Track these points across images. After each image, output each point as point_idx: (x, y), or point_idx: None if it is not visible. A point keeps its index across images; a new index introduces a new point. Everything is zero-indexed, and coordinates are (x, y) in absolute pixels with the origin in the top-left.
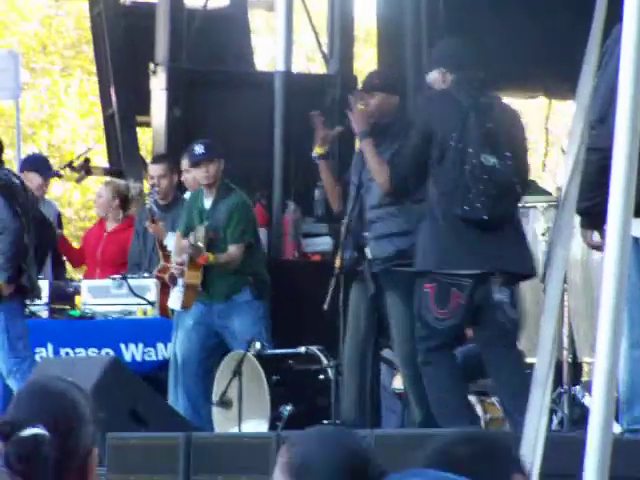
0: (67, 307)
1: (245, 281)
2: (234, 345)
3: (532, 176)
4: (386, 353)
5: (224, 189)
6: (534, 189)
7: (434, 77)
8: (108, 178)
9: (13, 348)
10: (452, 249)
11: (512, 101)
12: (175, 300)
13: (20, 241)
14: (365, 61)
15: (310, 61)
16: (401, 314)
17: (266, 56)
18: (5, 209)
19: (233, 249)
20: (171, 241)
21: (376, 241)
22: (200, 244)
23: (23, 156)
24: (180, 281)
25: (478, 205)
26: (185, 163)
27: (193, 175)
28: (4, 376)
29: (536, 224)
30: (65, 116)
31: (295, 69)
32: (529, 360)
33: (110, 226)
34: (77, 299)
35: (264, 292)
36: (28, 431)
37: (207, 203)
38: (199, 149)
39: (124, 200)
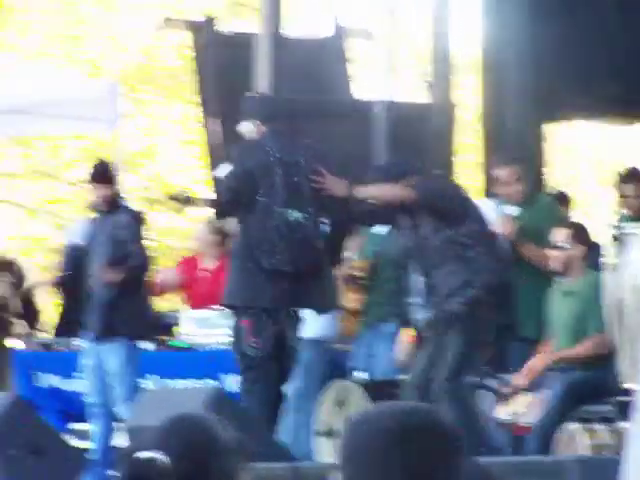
0: (166, 338)
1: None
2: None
3: None
4: (489, 382)
5: None
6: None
7: (247, 127)
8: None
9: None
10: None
11: (613, 127)
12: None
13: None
14: (466, 89)
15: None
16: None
17: (365, 85)
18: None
19: None
20: None
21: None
22: None
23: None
24: None
25: (281, 259)
26: None
27: None
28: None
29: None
30: (166, 146)
31: (396, 98)
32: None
33: (208, 263)
34: (174, 329)
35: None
36: (145, 454)
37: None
38: None
39: (223, 236)
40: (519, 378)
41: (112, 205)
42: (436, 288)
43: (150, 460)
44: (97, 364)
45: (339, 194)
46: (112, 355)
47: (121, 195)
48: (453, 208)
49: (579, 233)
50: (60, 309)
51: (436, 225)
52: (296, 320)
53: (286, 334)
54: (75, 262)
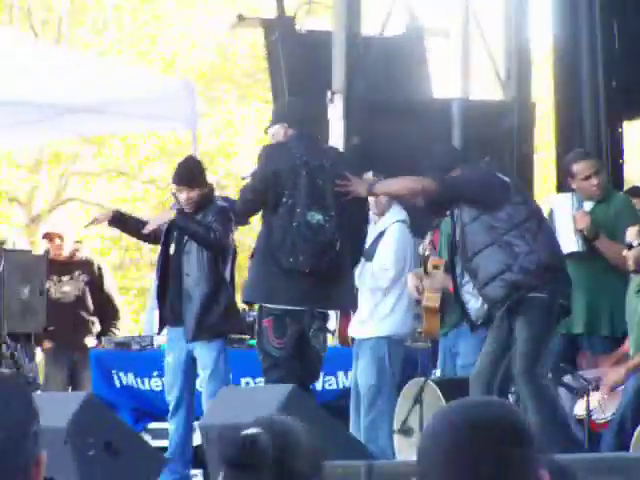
0: (246, 337)
1: None
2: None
3: None
4: (567, 379)
5: None
6: None
7: (276, 130)
8: None
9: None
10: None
11: None
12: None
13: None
14: (543, 86)
15: (486, 88)
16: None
17: (443, 83)
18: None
19: None
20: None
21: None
22: None
23: None
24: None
25: (301, 259)
26: None
27: None
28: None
29: None
30: (242, 144)
31: (472, 95)
32: None
33: None
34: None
35: None
36: (249, 430)
37: None
38: None
39: None
40: (611, 377)
41: (199, 206)
42: (476, 274)
43: (253, 434)
44: (184, 361)
45: (361, 194)
46: (206, 353)
47: (210, 193)
48: (487, 195)
49: None
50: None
51: (473, 212)
52: (321, 321)
53: (309, 335)
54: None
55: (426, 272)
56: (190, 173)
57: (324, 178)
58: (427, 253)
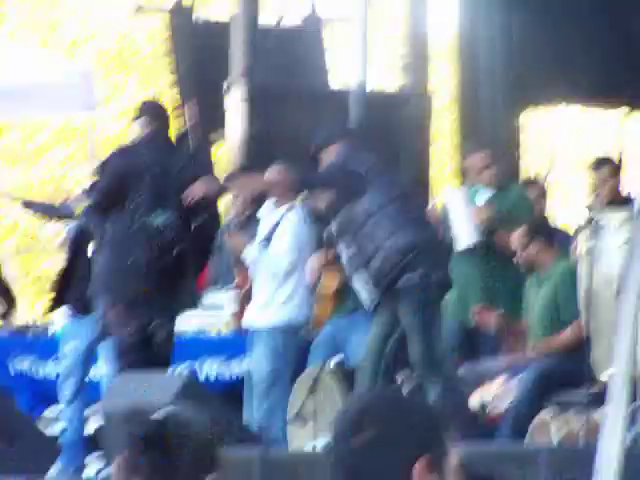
0: None
1: None
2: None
3: None
4: (461, 371)
5: None
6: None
7: (136, 127)
8: None
9: None
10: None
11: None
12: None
13: None
14: (441, 77)
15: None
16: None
17: (340, 71)
18: None
19: None
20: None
21: None
22: None
23: None
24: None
25: (141, 262)
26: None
27: None
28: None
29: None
30: None
31: (371, 85)
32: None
33: None
34: None
35: None
36: (161, 412)
37: None
38: None
39: None
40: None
41: None
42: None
43: (169, 415)
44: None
45: (209, 193)
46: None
47: None
48: (345, 183)
49: (536, 229)
50: None
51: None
52: (166, 319)
53: (155, 328)
54: None
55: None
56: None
57: (169, 181)
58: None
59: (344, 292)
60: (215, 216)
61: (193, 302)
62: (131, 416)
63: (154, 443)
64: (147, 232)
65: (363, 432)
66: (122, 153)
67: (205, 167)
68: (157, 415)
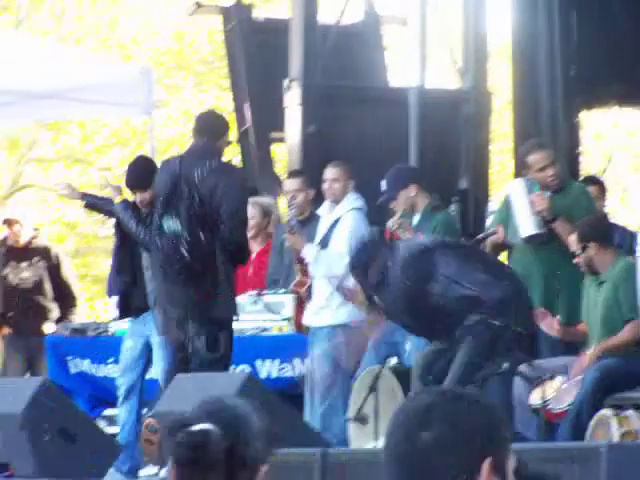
0: None
1: None
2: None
3: None
4: (522, 368)
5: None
6: None
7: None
8: (252, 198)
9: None
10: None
11: None
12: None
13: None
14: (499, 76)
15: (442, 75)
16: None
17: (400, 72)
18: None
19: None
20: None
21: None
22: None
23: None
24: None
25: (160, 269)
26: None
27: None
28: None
29: None
30: None
31: (429, 84)
32: None
33: (257, 247)
34: None
35: None
36: (198, 426)
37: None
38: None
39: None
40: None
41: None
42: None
43: (205, 430)
44: (141, 348)
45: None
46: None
47: None
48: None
49: (589, 233)
50: None
51: None
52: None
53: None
54: None
55: None
56: (140, 175)
57: (188, 190)
58: (395, 227)
59: None
60: (236, 228)
61: (226, 310)
62: (171, 431)
63: (196, 464)
64: (162, 237)
65: (429, 431)
66: (162, 165)
67: (232, 185)
68: (197, 429)
